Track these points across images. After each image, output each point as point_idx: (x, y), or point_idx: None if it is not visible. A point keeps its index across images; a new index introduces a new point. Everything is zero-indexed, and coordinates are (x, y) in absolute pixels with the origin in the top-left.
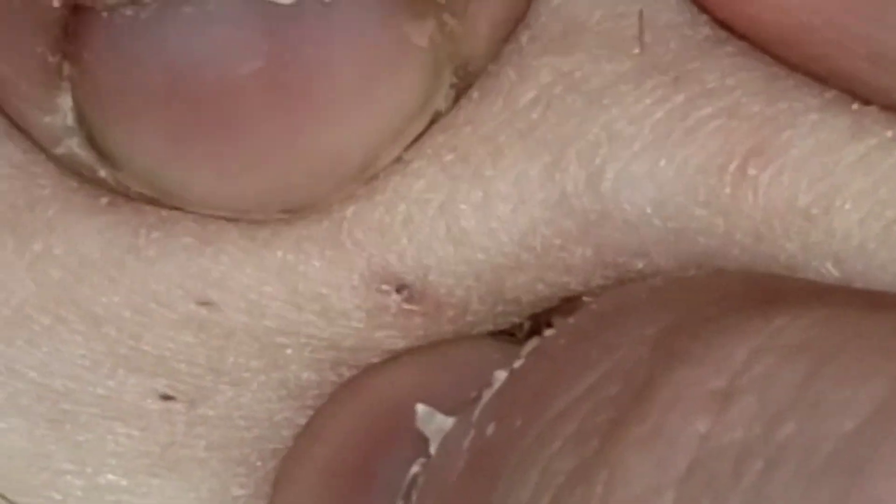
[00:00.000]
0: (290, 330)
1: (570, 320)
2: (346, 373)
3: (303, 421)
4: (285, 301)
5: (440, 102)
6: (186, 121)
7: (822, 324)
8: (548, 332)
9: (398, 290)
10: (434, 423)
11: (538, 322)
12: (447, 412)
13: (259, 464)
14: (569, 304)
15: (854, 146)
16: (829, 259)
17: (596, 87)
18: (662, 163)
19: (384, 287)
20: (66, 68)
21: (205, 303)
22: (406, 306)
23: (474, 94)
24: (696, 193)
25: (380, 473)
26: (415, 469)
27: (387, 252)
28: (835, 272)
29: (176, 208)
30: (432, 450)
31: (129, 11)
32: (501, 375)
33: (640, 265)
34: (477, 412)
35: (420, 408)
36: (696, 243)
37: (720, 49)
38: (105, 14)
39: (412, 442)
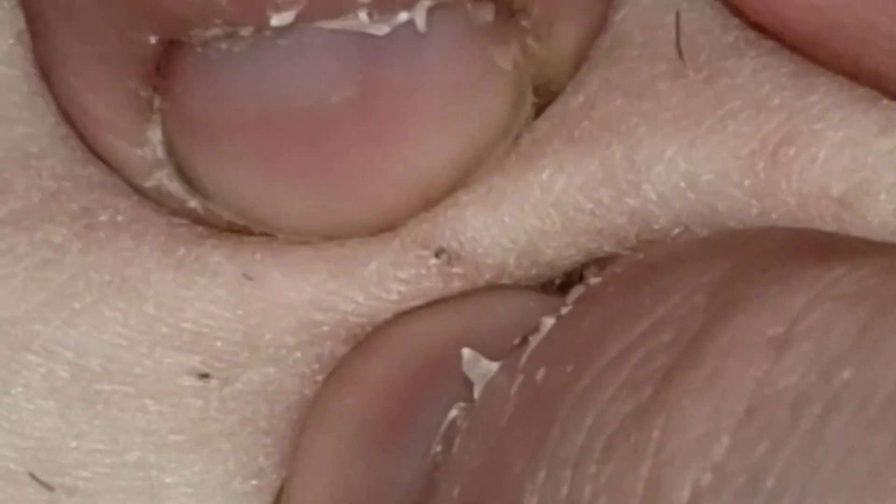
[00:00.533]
0: (327, 306)
1: (617, 269)
2: None
3: None
4: (325, 275)
5: (523, 122)
6: (279, 150)
7: (880, 274)
8: (593, 281)
9: (437, 255)
10: (479, 367)
11: (570, 278)
12: (490, 358)
13: (287, 434)
14: (602, 261)
15: (884, 140)
16: None
17: (635, 87)
18: (696, 145)
19: (423, 252)
20: (157, 101)
21: (248, 278)
22: (446, 269)
23: None
24: (730, 175)
25: (416, 418)
26: (453, 413)
27: (424, 219)
28: None
29: (265, 234)
30: (476, 394)
31: (223, 45)
32: (549, 322)
33: (676, 232)
34: (524, 358)
35: (466, 352)
36: (732, 220)
37: (751, 50)
38: (199, 48)
39: (451, 386)
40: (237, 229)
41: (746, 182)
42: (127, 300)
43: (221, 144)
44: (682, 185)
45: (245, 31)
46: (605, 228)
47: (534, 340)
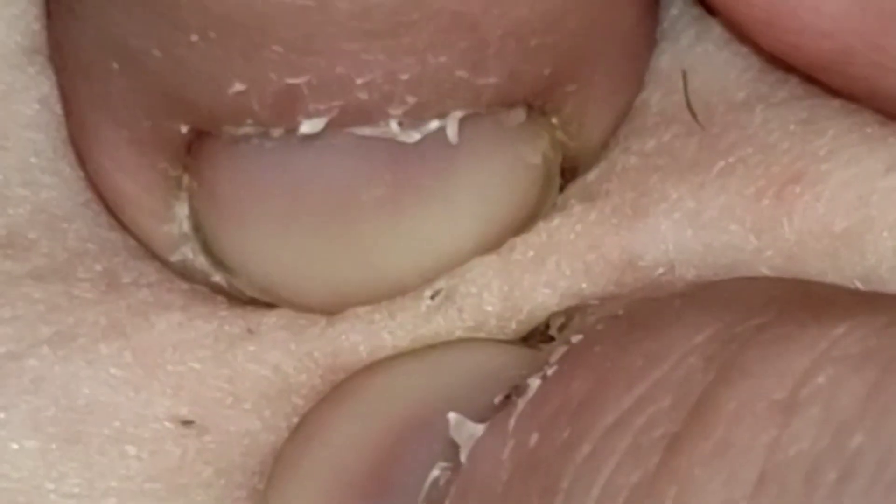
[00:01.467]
0: (316, 358)
1: (599, 327)
2: None
3: None
4: (323, 326)
5: (550, 204)
6: (306, 236)
7: (880, 332)
8: (575, 339)
9: (433, 296)
10: (465, 430)
11: (535, 330)
12: (470, 414)
13: (261, 486)
14: (569, 311)
15: (890, 178)
16: (860, 281)
17: (651, 148)
18: (704, 186)
19: (421, 293)
20: (186, 179)
21: (251, 332)
22: (440, 310)
23: None
24: (733, 211)
25: (395, 476)
26: (435, 473)
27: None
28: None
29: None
30: (463, 457)
31: (254, 140)
32: (535, 383)
33: (659, 271)
34: (513, 421)
35: (453, 416)
36: (724, 256)
37: (761, 103)
38: (231, 140)
39: (430, 444)
40: (262, 304)
41: (748, 218)
42: (126, 341)
43: (248, 226)
44: (683, 220)
45: (276, 132)
46: (596, 265)
47: (521, 402)
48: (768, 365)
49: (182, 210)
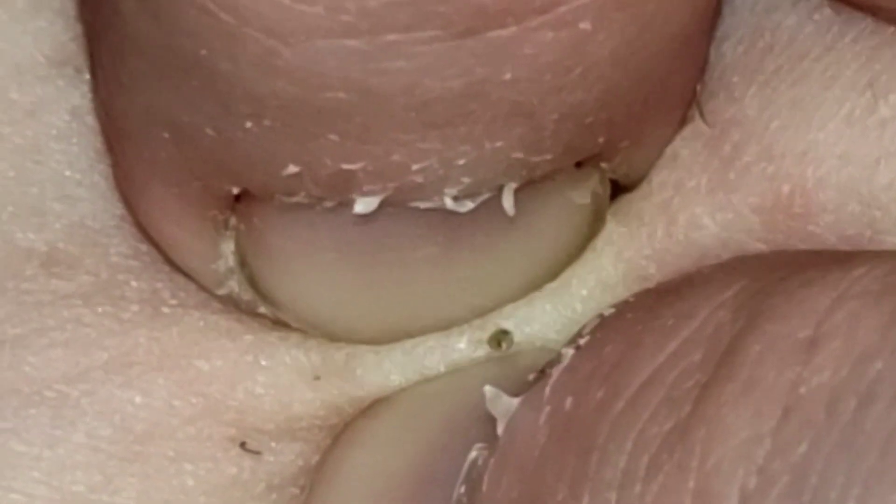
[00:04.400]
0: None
1: (630, 299)
2: None
3: None
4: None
5: (598, 233)
6: (355, 285)
7: None
8: (607, 312)
9: (498, 342)
10: (501, 404)
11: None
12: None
13: None
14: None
15: (884, 172)
16: None
17: (667, 156)
18: (723, 205)
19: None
20: (233, 221)
21: (317, 377)
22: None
23: None
24: (755, 231)
25: (435, 468)
26: (473, 455)
27: None
28: None
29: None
30: (500, 430)
31: (305, 205)
32: (568, 352)
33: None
34: (548, 389)
35: (488, 389)
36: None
37: (751, 86)
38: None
39: (467, 432)
40: (310, 335)
41: (769, 236)
42: (183, 374)
43: (296, 271)
44: (716, 247)
45: (329, 203)
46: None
47: (555, 371)
48: (792, 307)
49: (228, 247)
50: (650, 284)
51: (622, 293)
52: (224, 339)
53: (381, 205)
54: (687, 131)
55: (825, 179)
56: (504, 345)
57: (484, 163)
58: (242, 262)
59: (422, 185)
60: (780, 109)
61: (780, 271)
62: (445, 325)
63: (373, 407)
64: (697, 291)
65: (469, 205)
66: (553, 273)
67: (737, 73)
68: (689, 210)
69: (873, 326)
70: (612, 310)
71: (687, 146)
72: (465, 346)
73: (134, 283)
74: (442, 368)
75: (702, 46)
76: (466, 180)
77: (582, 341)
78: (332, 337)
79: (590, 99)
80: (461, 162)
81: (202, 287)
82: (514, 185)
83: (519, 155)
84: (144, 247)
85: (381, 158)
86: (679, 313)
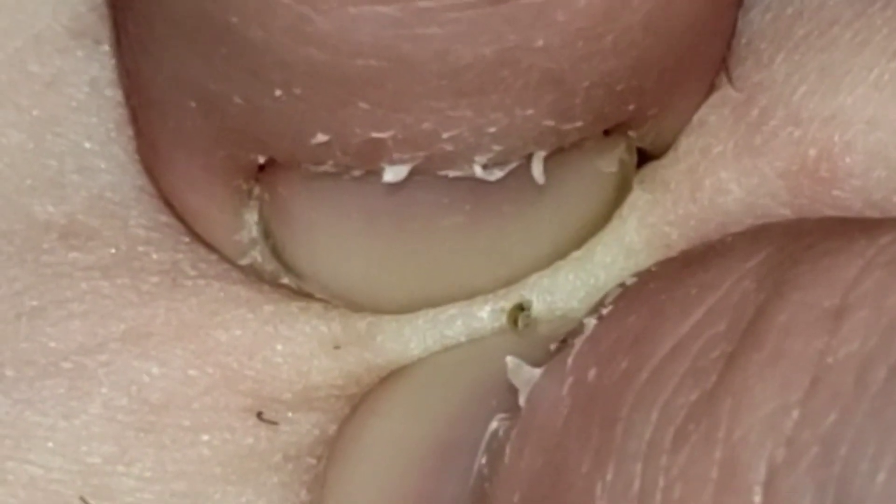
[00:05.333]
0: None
1: (653, 268)
2: None
3: None
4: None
5: (624, 200)
6: (381, 253)
7: None
8: (630, 281)
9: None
10: (523, 373)
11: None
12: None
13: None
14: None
15: None
16: None
17: (694, 123)
18: (748, 169)
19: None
20: (257, 190)
21: (336, 347)
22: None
23: None
24: (780, 196)
25: (456, 437)
26: (493, 425)
27: None
28: None
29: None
30: (522, 400)
31: (332, 173)
32: (591, 322)
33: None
34: (570, 360)
35: (510, 360)
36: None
37: (780, 52)
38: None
39: (488, 402)
40: (332, 305)
41: (794, 201)
42: (202, 344)
43: (320, 240)
44: (740, 213)
45: (357, 173)
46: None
47: (578, 342)
48: (818, 276)
49: (252, 217)
50: (673, 252)
51: (646, 261)
52: (243, 309)
53: (410, 173)
54: (715, 98)
55: (852, 144)
56: (520, 322)
57: (514, 130)
58: (266, 232)
59: (452, 154)
60: (809, 75)
61: (804, 239)
62: (469, 295)
63: (392, 377)
64: (721, 261)
65: (498, 173)
66: (579, 242)
67: (765, 40)
68: (715, 175)
69: None
70: (635, 279)
71: (714, 112)
72: (487, 315)
73: (154, 255)
74: (463, 338)
75: (731, 12)
76: (496, 148)
77: (605, 311)
78: (356, 307)
79: (621, 66)
80: (492, 130)
81: (224, 258)
82: (543, 154)
83: (550, 123)
84: (164, 218)
85: (412, 127)
86: (703, 283)
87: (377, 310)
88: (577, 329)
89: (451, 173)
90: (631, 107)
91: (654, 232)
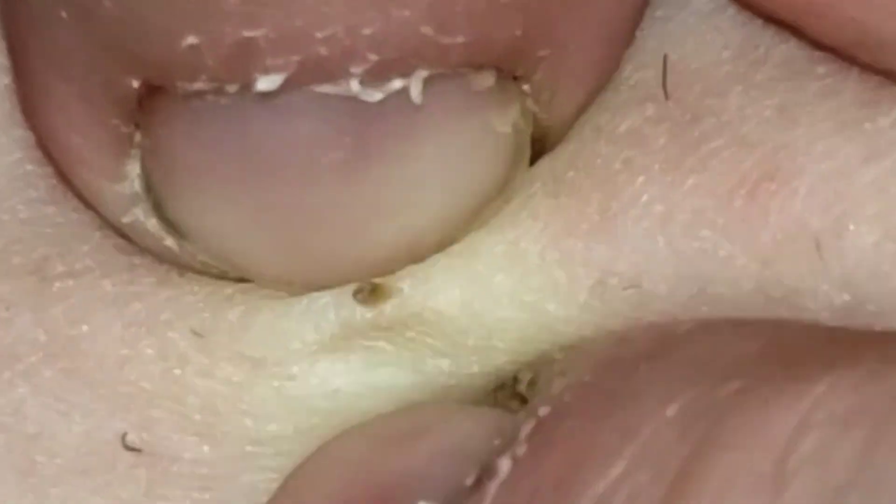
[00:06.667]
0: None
1: (566, 398)
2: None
3: (264, 487)
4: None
5: (519, 178)
6: (261, 203)
7: (864, 386)
8: (542, 411)
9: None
10: None
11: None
12: (441, 498)
13: None
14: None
15: (867, 169)
16: (838, 283)
17: (622, 133)
18: (674, 186)
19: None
20: (138, 137)
21: (197, 334)
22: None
23: None
24: (704, 214)
25: None
26: None
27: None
28: (845, 296)
29: (243, 280)
30: None
31: (209, 97)
32: (505, 465)
33: (629, 291)
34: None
35: None
36: (696, 266)
37: (738, 84)
38: (184, 97)
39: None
40: (212, 273)
41: (721, 221)
42: (70, 359)
43: (201, 188)
44: (653, 227)
45: (231, 88)
46: (563, 283)
47: (492, 486)
48: (749, 435)
49: (133, 168)
50: (577, 265)
51: (536, 266)
52: (113, 316)
53: (286, 87)
54: (652, 111)
55: (803, 167)
56: (371, 300)
57: (391, 36)
58: (148, 187)
59: (326, 61)
60: (765, 110)
61: (727, 381)
62: (347, 275)
63: (306, 465)
64: (638, 402)
65: (377, 95)
66: (467, 211)
67: (720, 72)
68: (634, 188)
69: (846, 458)
70: (548, 409)
71: (648, 126)
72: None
73: (24, 253)
74: (337, 329)
75: None
76: (373, 57)
77: (519, 451)
78: (238, 272)
79: None
80: (367, 31)
81: (106, 218)
82: (423, 74)
83: (428, 31)
84: (43, 208)
85: (283, 24)
86: (620, 427)
87: (259, 276)
88: (492, 470)
89: (328, 88)
90: (517, 31)
91: (555, 245)
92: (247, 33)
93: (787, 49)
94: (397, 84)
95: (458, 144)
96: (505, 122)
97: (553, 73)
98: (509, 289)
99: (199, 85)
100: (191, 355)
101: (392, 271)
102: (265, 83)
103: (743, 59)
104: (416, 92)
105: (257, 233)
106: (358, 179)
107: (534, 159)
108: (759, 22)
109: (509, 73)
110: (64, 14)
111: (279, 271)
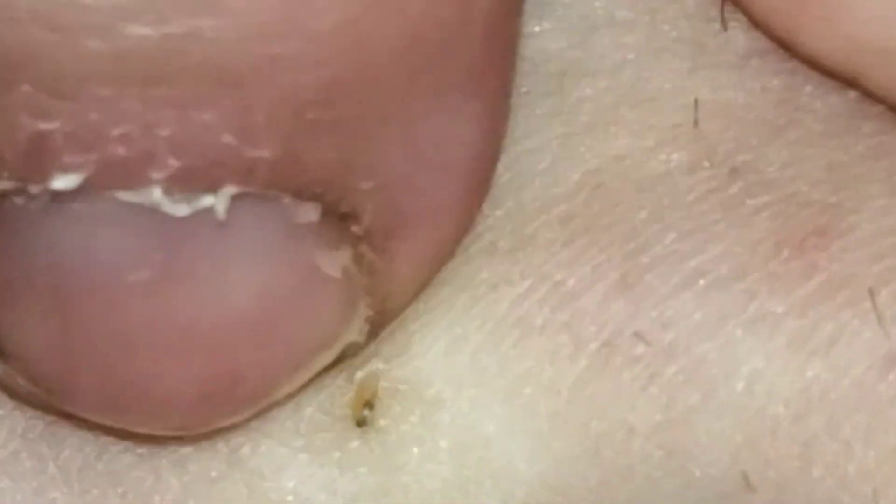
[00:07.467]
0: None
1: None
2: None
3: None
4: None
5: (354, 335)
6: (70, 321)
7: None
8: None
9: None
10: None
11: None
12: None
13: None
14: None
15: None
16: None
17: (648, 176)
18: (707, 243)
19: None
20: None
21: None
22: None
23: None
24: (744, 270)
25: None
26: None
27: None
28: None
29: (65, 414)
30: None
31: (18, 200)
32: None
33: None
34: None
35: None
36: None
37: (781, 137)
38: None
39: None
40: (37, 404)
41: (763, 275)
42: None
43: (15, 302)
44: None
45: (35, 189)
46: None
47: None
48: None
49: None
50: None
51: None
52: None
53: (88, 190)
54: (683, 156)
55: (854, 226)
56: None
57: (191, 141)
58: None
59: (125, 163)
60: (811, 170)
61: None
62: (178, 413)
63: None
64: None
65: (184, 208)
66: (290, 363)
67: (754, 125)
68: (663, 242)
69: None
70: None
71: (682, 172)
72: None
73: None
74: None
75: (487, 81)
76: (174, 162)
77: None
78: (58, 402)
79: (308, 86)
80: (164, 133)
81: None
82: (231, 190)
83: (230, 140)
84: None
85: (79, 117)
86: None
87: (79, 410)
88: None
89: (131, 196)
90: (331, 154)
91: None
92: (42, 126)
93: (834, 102)
94: (207, 201)
95: (278, 281)
96: (334, 266)
97: (383, 212)
98: None
99: (4, 184)
100: None
101: (211, 421)
102: (62, 181)
103: (785, 108)
104: (221, 208)
105: (67, 354)
106: (168, 304)
107: (378, 327)
108: (803, 69)
109: (334, 208)
110: None
111: (90, 402)
